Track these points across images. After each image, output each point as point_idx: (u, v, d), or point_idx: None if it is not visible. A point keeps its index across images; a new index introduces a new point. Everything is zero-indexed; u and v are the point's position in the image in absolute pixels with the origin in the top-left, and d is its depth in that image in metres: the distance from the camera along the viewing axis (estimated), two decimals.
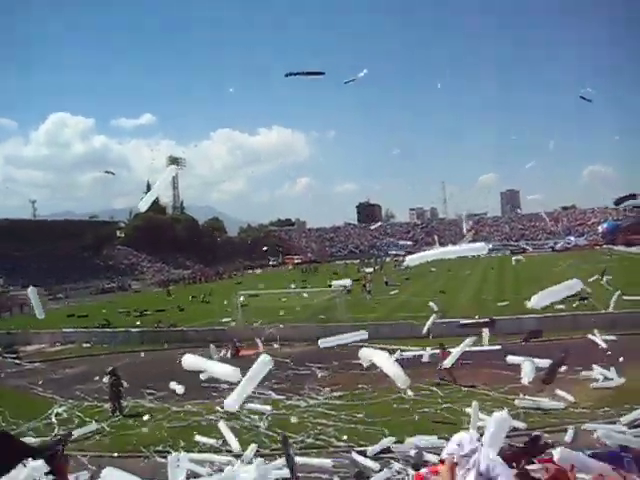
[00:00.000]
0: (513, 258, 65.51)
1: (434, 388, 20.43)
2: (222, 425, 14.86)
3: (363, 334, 7.96)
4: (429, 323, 22.87)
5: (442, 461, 4.23)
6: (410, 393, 19.16)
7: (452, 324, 24.78)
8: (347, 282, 34.41)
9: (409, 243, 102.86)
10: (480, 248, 6.34)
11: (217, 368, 6.33)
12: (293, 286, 54.25)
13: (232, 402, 5.56)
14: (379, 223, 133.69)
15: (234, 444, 13.96)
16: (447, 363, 17.63)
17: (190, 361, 6.43)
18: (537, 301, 5.69)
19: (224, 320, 37.94)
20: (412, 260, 6.41)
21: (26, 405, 22.29)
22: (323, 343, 8.28)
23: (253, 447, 11.92)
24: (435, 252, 6.75)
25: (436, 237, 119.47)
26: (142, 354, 30.54)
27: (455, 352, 15.78)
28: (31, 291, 7.82)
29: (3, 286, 76.66)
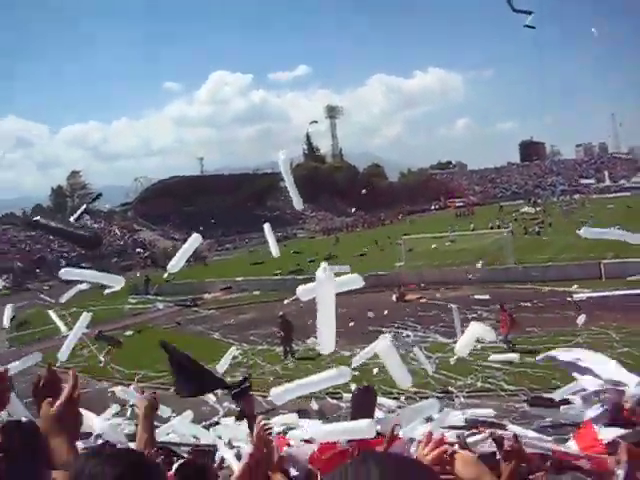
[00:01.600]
0: None
1: (609, 332, 19.43)
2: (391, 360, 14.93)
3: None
4: None
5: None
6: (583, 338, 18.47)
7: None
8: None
9: (590, 181, 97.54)
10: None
11: None
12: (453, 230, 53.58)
13: (277, 396, 4.86)
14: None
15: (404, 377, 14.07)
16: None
17: None
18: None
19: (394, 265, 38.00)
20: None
21: (205, 349, 23.66)
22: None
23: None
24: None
25: (606, 173, 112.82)
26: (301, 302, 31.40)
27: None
28: (266, 227, 7.94)
29: (178, 239, 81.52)
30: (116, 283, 5.55)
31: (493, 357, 15.80)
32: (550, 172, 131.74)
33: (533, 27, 23.03)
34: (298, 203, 7.67)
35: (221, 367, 10.42)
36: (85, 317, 5.62)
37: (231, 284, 38.85)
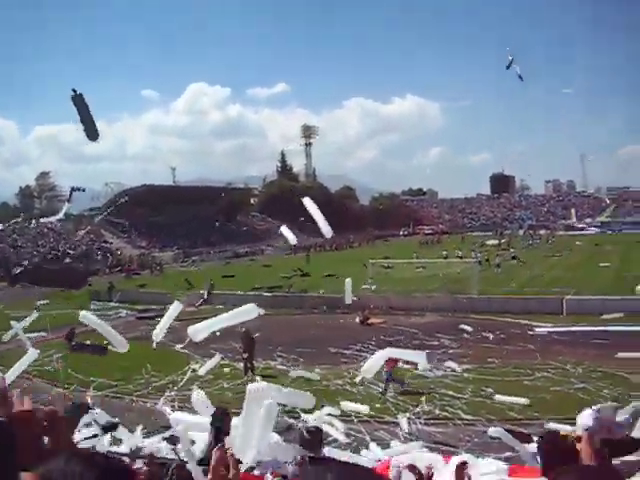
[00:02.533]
0: None
1: (568, 367, 19.65)
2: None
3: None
4: None
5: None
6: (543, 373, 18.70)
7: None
8: None
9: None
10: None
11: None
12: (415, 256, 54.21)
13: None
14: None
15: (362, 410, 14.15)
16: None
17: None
18: None
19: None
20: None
21: (166, 361, 23.46)
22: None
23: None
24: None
25: (573, 210, 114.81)
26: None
27: None
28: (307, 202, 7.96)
29: (146, 248, 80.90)
30: (121, 346, 5.59)
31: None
32: (519, 206, 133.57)
33: (520, 78, 23.47)
34: (327, 232, 7.78)
35: (203, 370, 10.49)
36: (177, 307, 5.66)
37: (195, 297, 38.54)
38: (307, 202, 8.19)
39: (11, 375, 4.17)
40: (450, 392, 17.37)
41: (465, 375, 19.44)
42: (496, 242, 74.81)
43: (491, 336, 24.88)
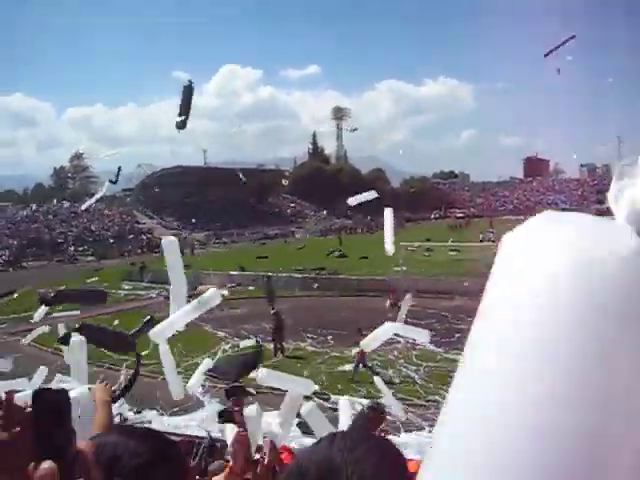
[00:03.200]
0: None
1: None
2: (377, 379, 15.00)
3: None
4: None
5: None
6: None
7: None
8: None
9: None
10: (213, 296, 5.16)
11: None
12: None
13: (158, 333, 4.96)
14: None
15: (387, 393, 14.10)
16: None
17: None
18: None
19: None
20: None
21: (196, 341, 23.68)
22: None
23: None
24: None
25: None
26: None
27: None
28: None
29: (177, 229, 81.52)
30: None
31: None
32: (552, 190, 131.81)
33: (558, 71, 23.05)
34: (390, 249, 7.72)
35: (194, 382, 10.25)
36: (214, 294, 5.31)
37: (226, 278, 38.70)
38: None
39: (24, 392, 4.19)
40: None
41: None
42: None
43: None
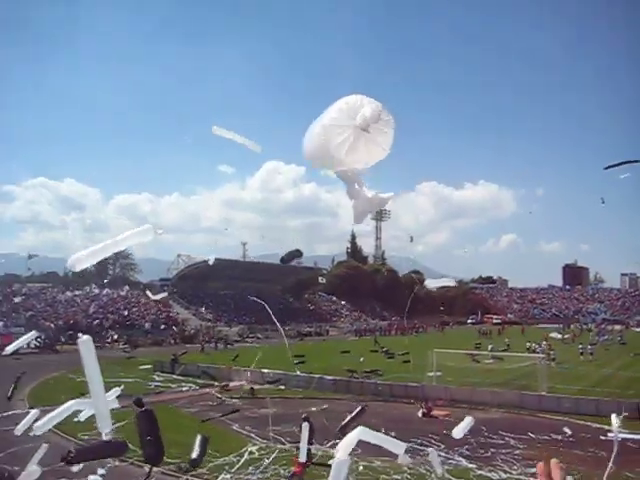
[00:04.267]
0: None
1: None
2: None
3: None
4: None
5: None
6: None
7: None
8: None
9: None
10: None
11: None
12: (490, 347, 52.70)
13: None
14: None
15: None
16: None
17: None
18: None
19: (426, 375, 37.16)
20: None
21: (223, 439, 23.21)
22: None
23: None
24: None
25: None
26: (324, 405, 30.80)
27: None
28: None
29: (212, 321, 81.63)
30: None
31: None
32: (592, 299, 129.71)
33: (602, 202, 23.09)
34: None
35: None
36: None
37: (258, 375, 38.21)
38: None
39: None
40: None
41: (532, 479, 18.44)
42: (559, 336, 72.32)
43: (559, 437, 23.68)
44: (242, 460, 20.63)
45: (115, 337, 66.49)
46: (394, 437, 5.69)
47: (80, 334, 4.16)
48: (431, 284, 10.60)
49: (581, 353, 51.48)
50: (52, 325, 63.98)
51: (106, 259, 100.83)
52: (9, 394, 24.97)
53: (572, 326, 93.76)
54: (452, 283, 12.43)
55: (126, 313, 75.91)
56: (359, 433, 4.83)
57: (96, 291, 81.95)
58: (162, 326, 75.24)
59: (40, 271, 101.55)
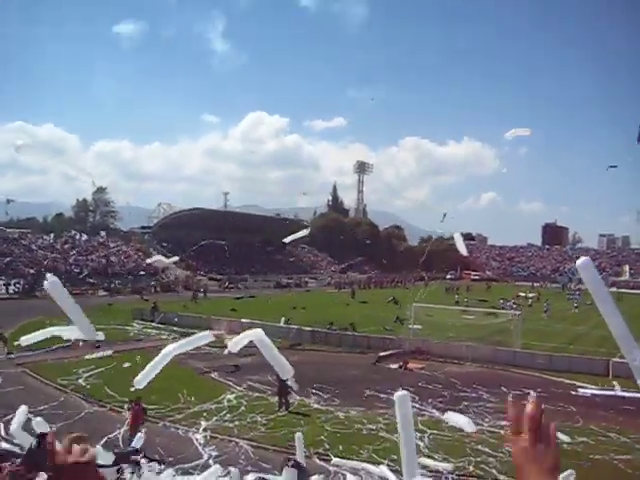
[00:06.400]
0: None
1: (611, 435, 18.85)
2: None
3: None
4: None
5: None
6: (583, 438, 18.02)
7: None
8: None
9: None
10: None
11: None
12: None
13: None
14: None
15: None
16: None
17: None
18: None
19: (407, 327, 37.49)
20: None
21: (201, 387, 23.54)
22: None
23: None
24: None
25: (627, 267, 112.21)
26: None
27: None
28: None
29: (192, 270, 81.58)
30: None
31: None
32: (570, 259, 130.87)
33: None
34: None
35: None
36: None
37: (237, 324, 38.35)
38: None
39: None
40: (486, 449, 16.90)
41: (502, 432, 18.88)
42: (526, 294, 73.50)
43: (532, 393, 24.12)
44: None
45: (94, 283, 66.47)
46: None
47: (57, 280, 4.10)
48: (458, 241, 10.84)
49: (545, 311, 52.54)
50: (31, 271, 63.55)
51: (87, 206, 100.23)
52: None
53: (536, 285, 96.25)
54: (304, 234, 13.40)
55: (106, 260, 75.63)
56: (255, 334, 4.58)
57: (77, 237, 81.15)
58: (143, 275, 75.18)
59: (18, 216, 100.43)
